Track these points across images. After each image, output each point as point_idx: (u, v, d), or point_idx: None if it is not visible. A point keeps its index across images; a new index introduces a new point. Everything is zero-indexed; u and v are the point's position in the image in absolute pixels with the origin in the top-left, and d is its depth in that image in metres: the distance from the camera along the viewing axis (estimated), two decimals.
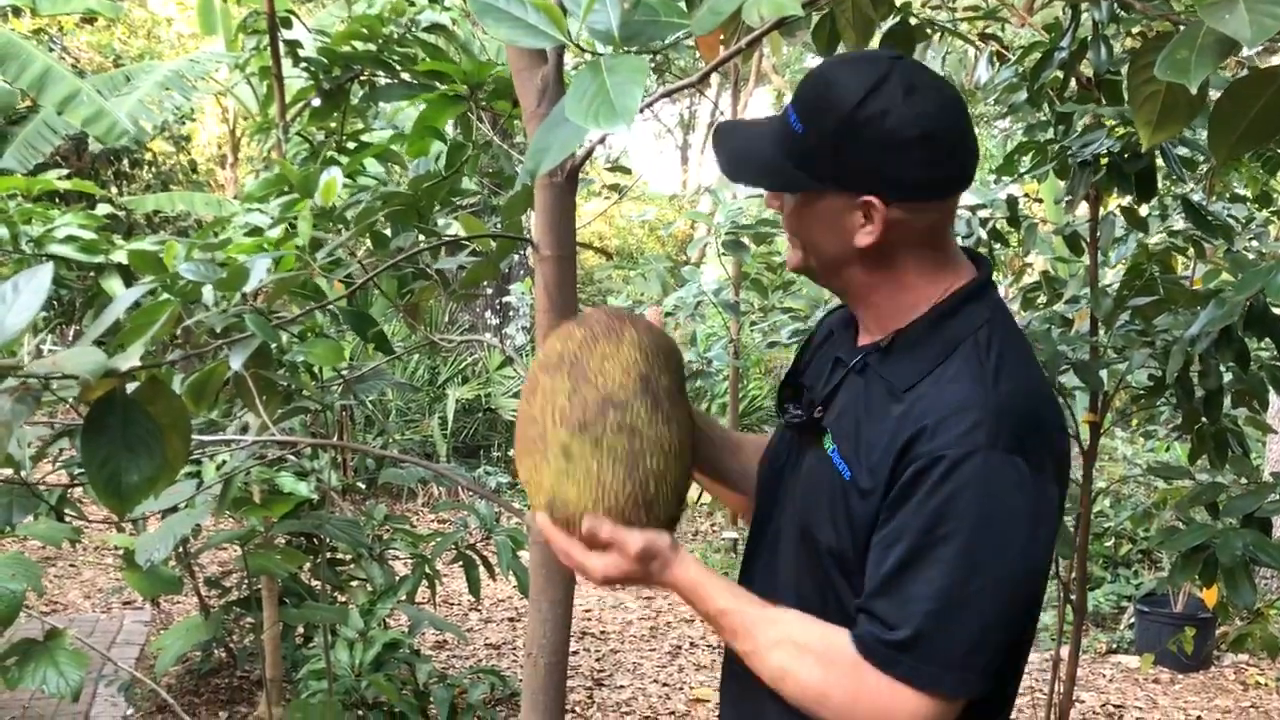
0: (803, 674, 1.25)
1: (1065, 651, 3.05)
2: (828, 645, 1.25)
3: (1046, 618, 5.67)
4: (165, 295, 1.78)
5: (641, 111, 1.13)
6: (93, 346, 1.27)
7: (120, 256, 3.03)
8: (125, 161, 10.09)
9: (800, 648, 1.26)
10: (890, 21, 2.26)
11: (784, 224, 1.35)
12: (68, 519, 2.43)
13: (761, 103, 17.84)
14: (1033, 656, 5.37)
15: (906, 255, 1.29)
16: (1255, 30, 0.95)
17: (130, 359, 1.23)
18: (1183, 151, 2.59)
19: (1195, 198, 3.78)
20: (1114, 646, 5.56)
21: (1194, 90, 1.01)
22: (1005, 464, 1.17)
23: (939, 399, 1.21)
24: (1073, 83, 2.68)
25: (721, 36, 2.17)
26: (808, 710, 1.26)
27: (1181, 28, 1.08)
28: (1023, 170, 2.81)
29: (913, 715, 1.20)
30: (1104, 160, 2.51)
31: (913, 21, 2.21)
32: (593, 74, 1.09)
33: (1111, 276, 3.55)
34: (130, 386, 1.30)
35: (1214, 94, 1.33)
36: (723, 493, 1.65)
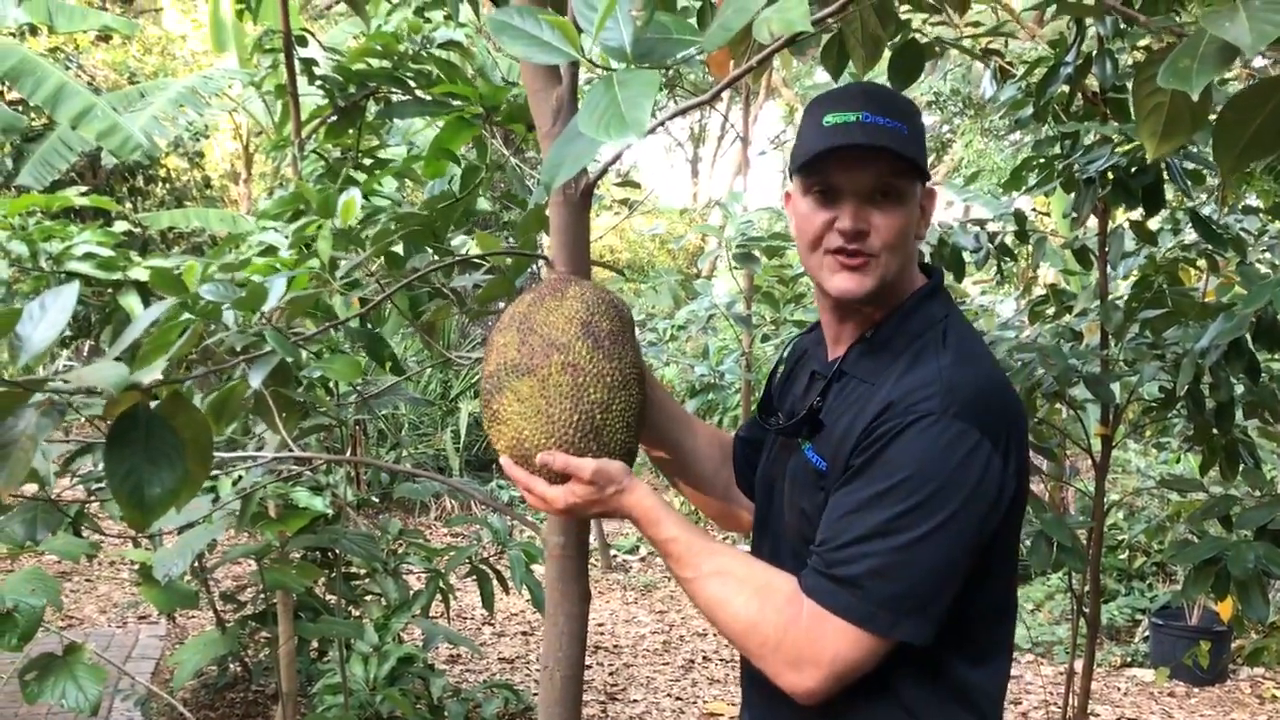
0: (737, 603, 1.32)
1: (1079, 664, 3.05)
2: (768, 580, 1.34)
3: (1060, 631, 5.66)
4: (185, 314, 1.81)
5: (653, 130, 1.15)
6: (116, 362, 1.29)
7: (137, 273, 3.06)
8: (140, 178, 10.17)
9: (740, 580, 1.34)
10: (898, 40, 2.28)
11: (890, 235, 1.38)
12: (84, 534, 2.46)
13: (772, 116, 17.87)
14: (1046, 670, 5.35)
15: (914, 249, 1.44)
16: (1255, 36, 0.96)
17: (153, 373, 1.26)
18: (1189, 165, 2.60)
19: (1207, 210, 3.79)
20: (1129, 660, 5.54)
21: (1195, 97, 1.02)
22: (950, 427, 1.26)
23: (902, 382, 1.33)
24: (1078, 97, 2.69)
25: (732, 55, 2.19)
26: (736, 643, 1.34)
27: (1184, 38, 1.10)
28: (1030, 185, 2.82)
29: (839, 647, 1.27)
30: (1110, 176, 2.52)
31: (920, 39, 2.23)
32: (605, 89, 1.12)
33: (1122, 289, 3.56)
34: (153, 401, 1.32)
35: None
36: (693, 495, 1.80)
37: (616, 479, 1.40)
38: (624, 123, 1.03)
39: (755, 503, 1.64)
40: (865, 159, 1.35)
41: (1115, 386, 2.79)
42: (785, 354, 1.70)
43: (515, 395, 1.40)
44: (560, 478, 1.39)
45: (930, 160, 1.50)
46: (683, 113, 1.56)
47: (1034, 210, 6.27)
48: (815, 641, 1.27)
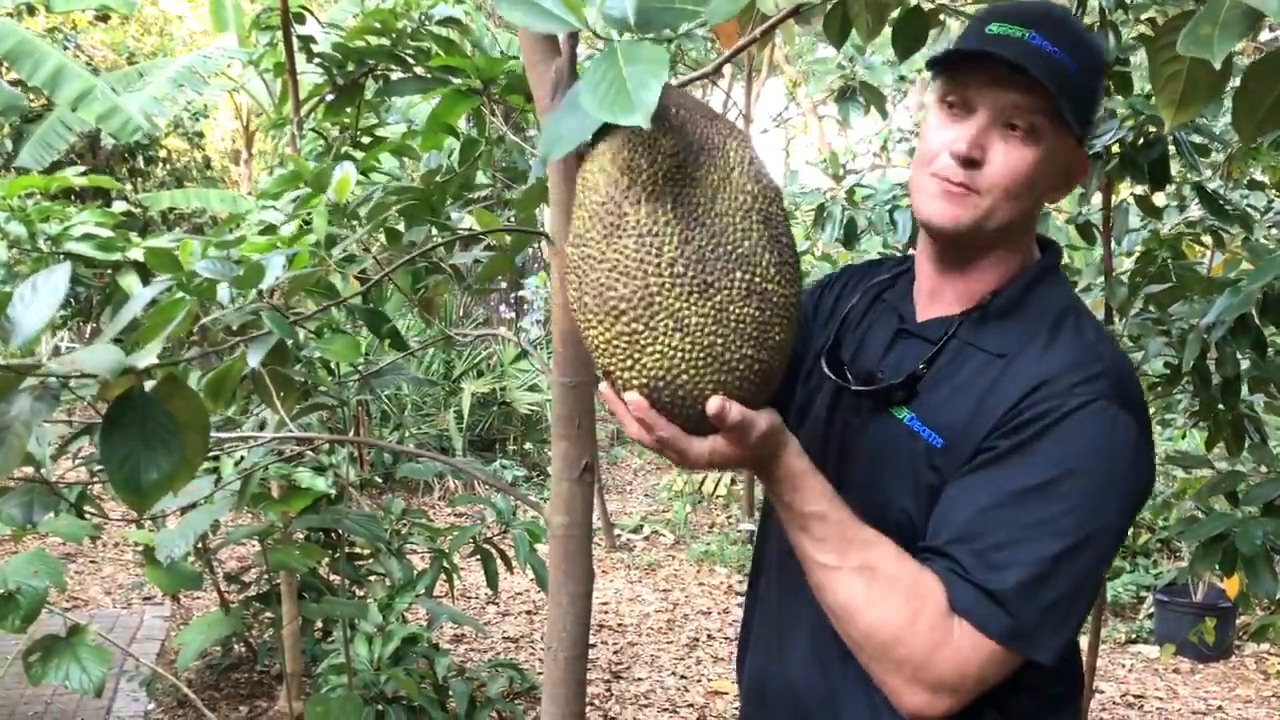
0: (883, 609, 1.13)
1: (1084, 641, 3.05)
2: (918, 585, 1.13)
3: None
4: (181, 293, 1.79)
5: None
6: (111, 344, 1.28)
7: (137, 254, 3.05)
8: (140, 158, 10.15)
9: (889, 581, 1.13)
10: (902, 7, 2.25)
11: (1007, 176, 1.20)
12: (88, 516, 2.45)
13: (774, 93, 17.80)
14: None
15: (1036, 218, 1.28)
16: None
17: (148, 357, 1.24)
18: (1197, 139, 2.58)
19: (1212, 185, 3.76)
20: (1133, 636, 5.54)
21: (1218, 65, 0.99)
22: (1119, 416, 1.13)
23: (1052, 357, 1.17)
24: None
25: (738, 26, 2.16)
26: (868, 650, 1.15)
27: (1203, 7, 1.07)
28: None
29: (987, 671, 1.12)
30: (1116, 150, 2.49)
31: (926, 7, 2.20)
32: (609, 62, 1.04)
33: (1126, 264, 3.54)
34: (148, 384, 1.31)
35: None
36: None
37: (778, 437, 1.13)
38: (630, 104, 0.97)
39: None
40: (1012, 78, 1.17)
41: None
42: (845, 290, 1.46)
43: (676, 321, 1.02)
44: (706, 426, 1.08)
45: None
46: (684, 86, 1.54)
47: None
48: (964, 665, 1.12)
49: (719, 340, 1.03)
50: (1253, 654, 5.30)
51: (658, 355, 1.04)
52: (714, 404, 1.05)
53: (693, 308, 1.02)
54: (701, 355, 1.03)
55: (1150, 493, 1.19)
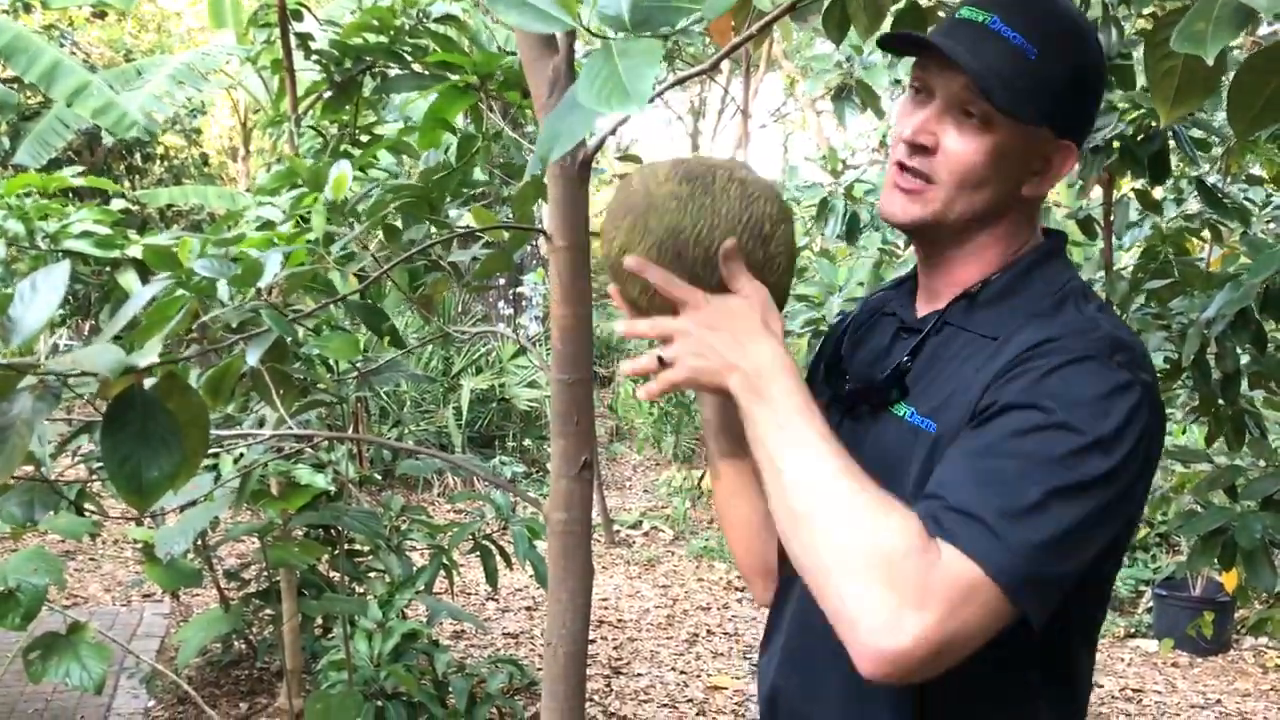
0: (858, 503, 1.02)
1: None
2: (903, 508, 1.02)
3: None
4: (180, 291, 1.79)
5: (653, 100, 1.11)
6: (111, 343, 1.28)
7: (135, 251, 3.05)
8: (138, 156, 10.15)
9: (863, 482, 1.03)
10: (900, 4, 2.25)
11: (957, 164, 1.15)
12: (87, 513, 2.45)
13: (772, 88, 17.79)
14: None
15: (1036, 206, 1.23)
16: None
17: (148, 356, 1.24)
18: (1196, 133, 2.58)
19: (1211, 180, 3.76)
20: (1132, 631, 5.55)
21: (1210, 61, 1.00)
22: (1118, 374, 1.05)
23: (1049, 325, 1.11)
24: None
25: (733, 22, 2.16)
26: (839, 559, 1.00)
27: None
28: None
29: (974, 600, 0.98)
30: (1116, 144, 2.49)
31: (924, 4, 2.20)
32: (604, 57, 1.06)
33: (1127, 260, 3.54)
34: (148, 382, 1.31)
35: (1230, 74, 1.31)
36: (741, 522, 1.43)
37: (775, 316, 1.11)
38: (625, 94, 0.99)
39: None
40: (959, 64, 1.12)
41: None
42: (854, 312, 1.42)
43: (673, 196, 1.15)
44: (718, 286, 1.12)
45: None
46: (682, 82, 1.54)
47: None
48: (946, 578, 0.98)
49: (709, 199, 1.15)
50: (1251, 648, 5.31)
51: (661, 217, 1.15)
52: (729, 243, 1.11)
53: (684, 186, 1.16)
54: (696, 209, 1.15)
55: (1154, 469, 1.11)
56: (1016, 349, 1.09)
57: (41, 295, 1.26)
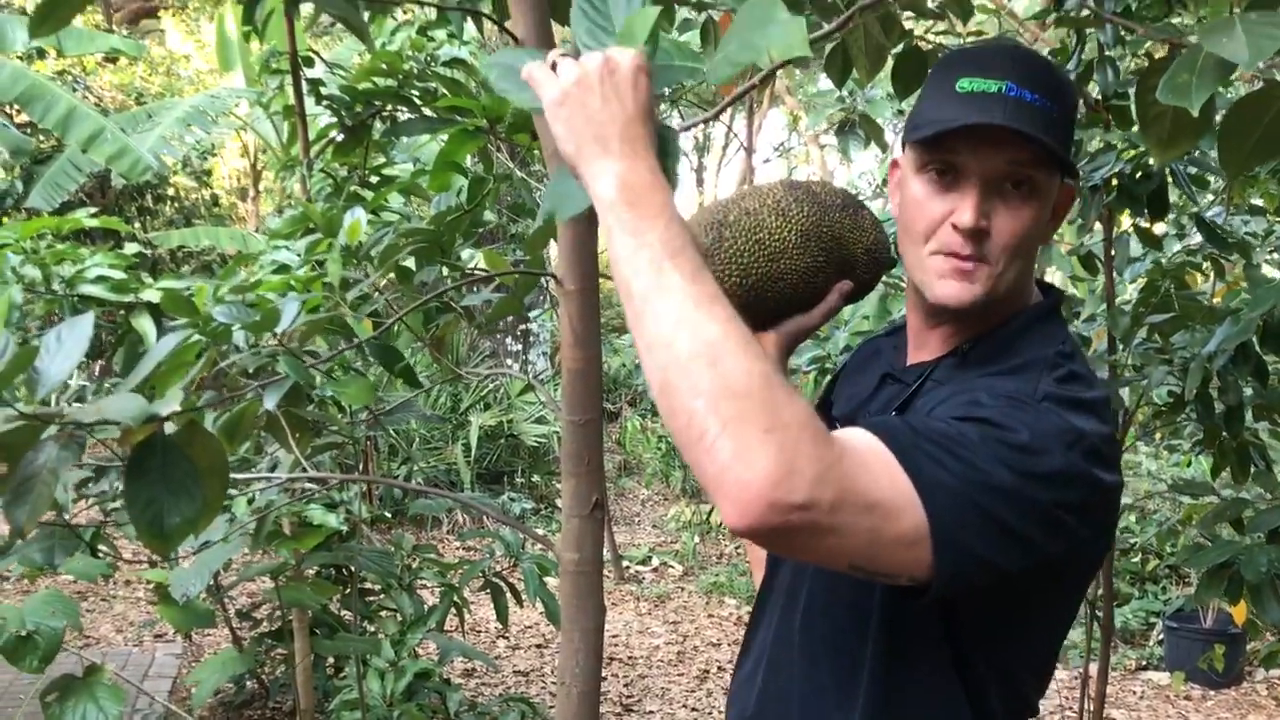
0: (732, 341, 0.89)
1: (1094, 668, 3.05)
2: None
3: (1075, 635, 5.65)
4: (196, 336, 1.83)
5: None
6: (133, 393, 1.31)
7: (149, 295, 3.09)
8: (149, 197, 10.24)
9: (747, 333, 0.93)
10: (901, 47, 2.29)
11: (1013, 237, 1.13)
12: (101, 554, 2.48)
13: (775, 124, 17.91)
14: (1061, 674, 5.34)
15: (1037, 252, 1.22)
16: (1253, 52, 0.97)
17: (171, 404, 1.27)
18: (1193, 170, 2.61)
19: (1213, 212, 3.79)
20: (1144, 663, 5.53)
21: (1195, 112, 1.03)
22: (1057, 416, 1.03)
23: (994, 381, 1.11)
24: (1081, 104, 2.70)
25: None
26: (702, 399, 0.87)
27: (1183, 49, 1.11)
28: None
29: (862, 469, 0.92)
30: (1115, 182, 2.53)
31: (924, 46, 2.25)
32: None
33: (1130, 294, 3.56)
34: (168, 428, 1.34)
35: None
36: None
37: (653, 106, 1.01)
38: None
39: None
40: (1002, 140, 1.10)
41: (1125, 391, 2.79)
42: (854, 354, 1.44)
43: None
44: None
45: None
46: (685, 130, 1.57)
47: None
48: (844, 454, 0.91)
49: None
50: (1264, 680, 5.28)
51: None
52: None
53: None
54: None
55: (1092, 548, 1.10)
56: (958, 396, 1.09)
57: (67, 347, 1.30)
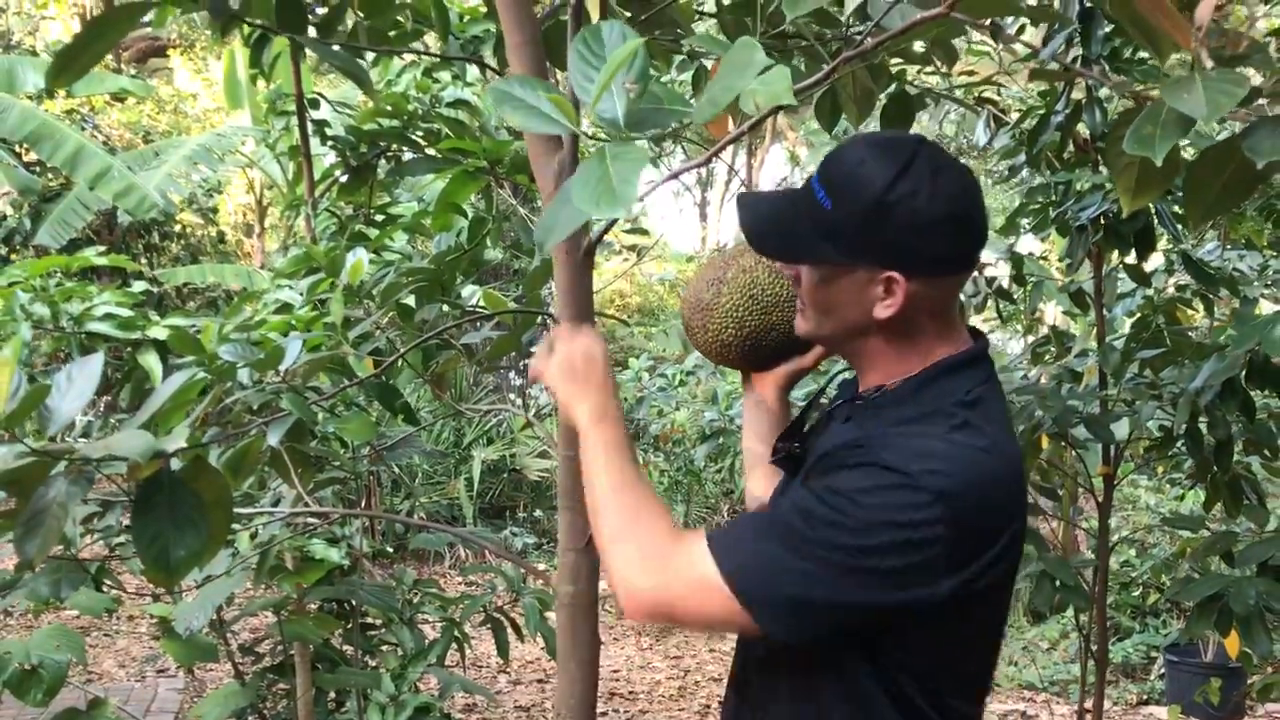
0: (640, 522, 1.34)
1: (1089, 703, 3.07)
2: (663, 515, 1.36)
3: (1075, 669, 5.65)
4: (201, 374, 1.87)
5: (642, 199, 1.23)
6: (140, 430, 1.35)
7: (156, 332, 3.14)
8: (155, 234, 10.32)
9: (650, 506, 1.36)
10: (890, 91, 2.35)
11: (802, 295, 1.40)
12: (105, 589, 2.51)
13: (776, 160, 18.03)
14: (1061, 709, 5.34)
15: (920, 324, 1.35)
16: (1211, 108, 1.02)
17: (177, 440, 1.31)
18: (1177, 209, 2.66)
19: (1210, 246, 3.83)
20: (1145, 697, 5.52)
21: (1158, 163, 1.08)
22: (906, 491, 1.19)
23: (885, 430, 1.29)
24: (1070, 145, 2.76)
25: (731, 112, 2.26)
26: (597, 519, 1.37)
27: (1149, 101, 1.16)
28: (1025, 230, 2.89)
29: (703, 588, 1.25)
30: (1103, 222, 2.58)
31: (910, 91, 2.30)
32: (598, 161, 1.18)
33: (1126, 326, 3.60)
34: (174, 464, 1.38)
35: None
36: None
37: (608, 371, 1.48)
38: (614, 197, 1.09)
39: None
40: None
41: (1123, 423, 2.83)
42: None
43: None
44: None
45: None
46: (680, 174, 1.63)
47: (1046, 249, 6.33)
48: (677, 554, 1.28)
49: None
50: (1265, 714, 5.28)
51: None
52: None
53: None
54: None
55: (947, 601, 1.22)
56: (844, 441, 1.31)
57: (77, 385, 1.34)
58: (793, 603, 1.23)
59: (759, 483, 1.69)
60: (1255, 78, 1.23)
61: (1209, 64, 1.03)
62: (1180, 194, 2.57)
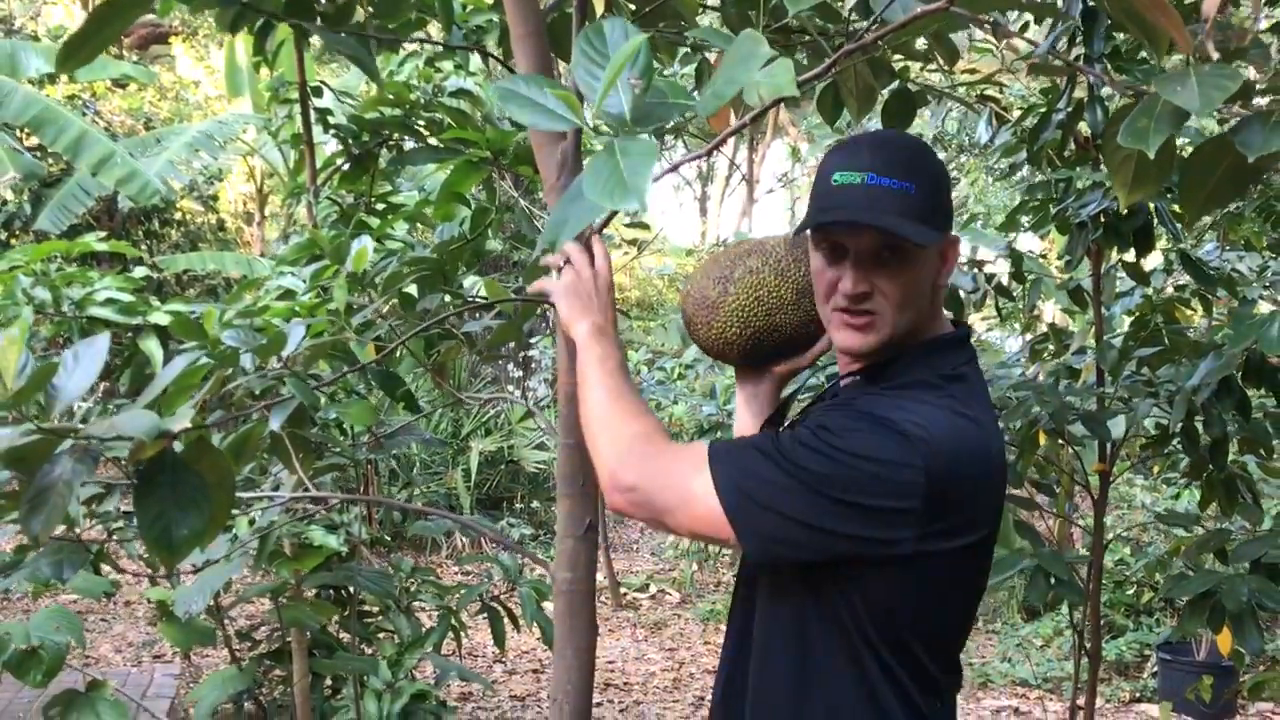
0: (630, 423, 1.41)
1: (1083, 699, 3.09)
2: (652, 420, 1.45)
3: (1069, 666, 5.67)
4: (205, 359, 1.88)
5: (656, 180, 1.23)
6: (145, 410, 1.37)
7: (157, 318, 3.14)
8: (155, 221, 10.31)
9: (640, 412, 1.44)
10: (891, 87, 2.36)
11: (896, 296, 1.37)
12: (103, 573, 2.52)
13: (778, 155, 18.02)
14: (1054, 706, 5.37)
15: (939, 293, 1.44)
16: (1204, 101, 1.04)
17: (182, 421, 1.33)
18: (1176, 208, 2.67)
19: (1208, 248, 3.84)
20: (1138, 695, 5.54)
21: (1152, 155, 1.10)
22: (892, 436, 1.27)
23: (890, 401, 1.33)
24: (1071, 143, 2.77)
25: (733, 106, 2.27)
26: (592, 429, 1.44)
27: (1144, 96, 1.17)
28: (1025, 227, 2.90)
29: (678, 469, 1.34)
30: (1102, 219, 2.59)
31: (912, 88, 2.31)
32: (608, 156, 1.19)
33: (1126, 324, 3.61)
34: (177, 446, 1.39)
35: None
36: None
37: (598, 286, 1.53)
38: (626, 190, 1.10)
39: None
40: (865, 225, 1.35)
41: (1120, 420, 2.84)
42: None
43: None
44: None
45: None
46: (683, 164, 1.64)
47: (1045, 248, 6.33)
48: (676, 461, 1.36)
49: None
50: (1256, 713, 5.30)
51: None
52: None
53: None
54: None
55: (918, 549, 1.29)
56: (830, 402, 1.41)
57: (83, 365, 1.35)
58: (774, 522, 1.29)
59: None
60: (1252, 74, 1.25)
61: (1215, 56, 1.04)
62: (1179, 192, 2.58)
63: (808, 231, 1.44)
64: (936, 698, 1.40)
